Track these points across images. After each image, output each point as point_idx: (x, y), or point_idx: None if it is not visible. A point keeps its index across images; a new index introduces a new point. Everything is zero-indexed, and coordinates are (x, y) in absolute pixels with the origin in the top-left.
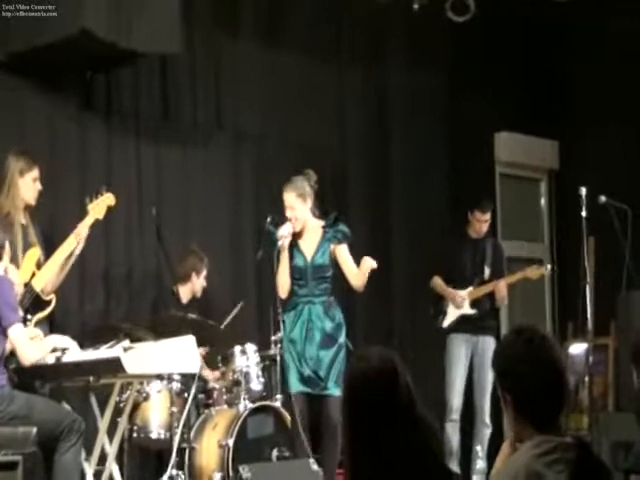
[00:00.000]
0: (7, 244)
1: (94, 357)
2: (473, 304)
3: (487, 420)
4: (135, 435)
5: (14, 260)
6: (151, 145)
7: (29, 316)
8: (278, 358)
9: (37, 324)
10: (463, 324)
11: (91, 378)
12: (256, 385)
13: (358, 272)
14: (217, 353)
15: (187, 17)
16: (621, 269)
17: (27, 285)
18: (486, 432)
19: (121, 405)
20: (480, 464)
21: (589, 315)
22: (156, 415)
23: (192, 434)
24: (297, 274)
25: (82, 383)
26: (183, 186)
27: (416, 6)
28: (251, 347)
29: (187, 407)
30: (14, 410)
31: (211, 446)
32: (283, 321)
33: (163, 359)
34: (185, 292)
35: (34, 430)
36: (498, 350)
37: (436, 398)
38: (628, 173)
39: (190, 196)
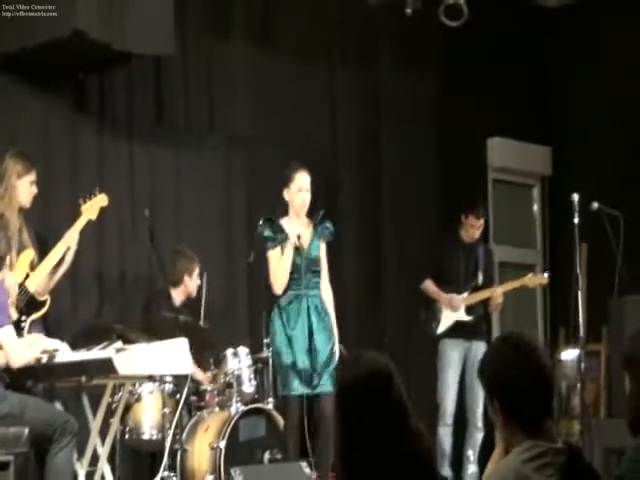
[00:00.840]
0: (8, 256)
1: (86, 357)
2: (468, 310)
3: (480, 424)
4: (127, 436)
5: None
6: (144, 147)
7: (23, 317)
8: (270, 361)
9: (31, 325)
10: (456, 329)
11: (83, 378)
12: (248, 388)
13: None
14: (209, 355)
15: (180, 20)
16: (613, 275)
17: (21, 286)
18: (479, 436)
19: (113, 406)
20: (472, 469)
21: (581, 321)
22: (148, 416)
23: (184, 436)
24: (291, 268)
25: (74, 383)
26: (176, 188)
27: (409, 10)
28: (243, 350)
29: (179, 409)
30: (6, 409)
31: (203, 448)
32: (281, 314)
33: (155, 360)
34: (178, 294)
35: (26, 430)
36: (485, 357)
37: (429, 401)
38: (620, 179)
39: (182, 199)
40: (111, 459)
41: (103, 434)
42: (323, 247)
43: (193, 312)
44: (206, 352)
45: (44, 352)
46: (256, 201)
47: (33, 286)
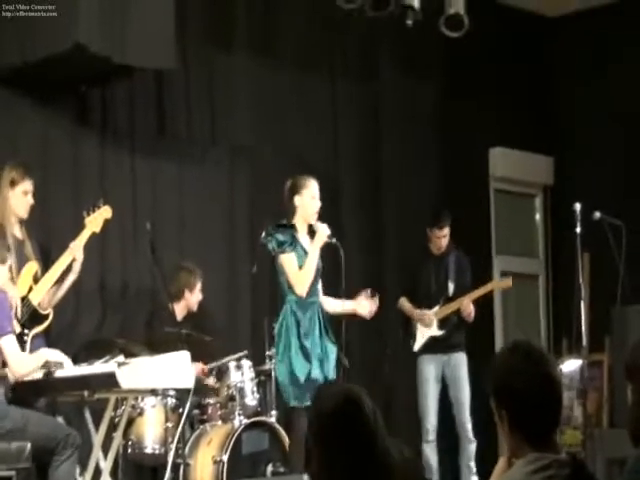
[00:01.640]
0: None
1: (89, 372)
2: (441, 323)
3: (470, 435)
4: (130, 450)
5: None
6: (146, 160)
7: (26, 330)
8: (273, 373)
9: (33, 339)
10: (432, 345)
11: (86, 393)
12: (251, 400)
13: (338, 304)
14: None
15: (181, 32)
16: (616, 285)
17: (24, 299)
18: (472, 447)
19: (116, 420)
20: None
21: (584, 331)
22: (151, 430)
23: (187, 450)
24: None
25: (77, 398)
26: (178, 201)
27: (410, 22)
28: (246, 362)
29: (182, 422)
30: (9, 425)
31: (206, 462)
32: (298, 324)
33: (158, 374)
34: (180, 309)
35: (28, 445)
36: (494, 365)
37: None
38: (622, 189)
39: (185, 211)
40: (114, 473)
41: (105, 448)
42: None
43: (196, 326)
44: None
45: (46, 364)
46: (259, 213)
47: (37, 299)
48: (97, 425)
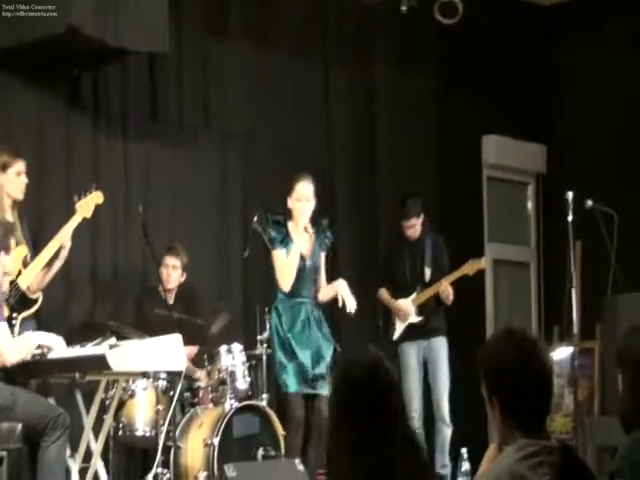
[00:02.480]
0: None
1: (80, 354)
2: (419, 309)
3: (447, 419)
4: (120, 433)
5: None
6: (138, 144)
7: (15, 314)
8: (264, 357)
9: (23, 322)
10: (412, 332)
11: (77, 375)
12: (242, 384)
13: (328, 287)
14: (203, 352)
15: (175, 17)
16: (607, 273)
17: (13, 283)
18: (447, 431)
19: (107, 402)
20: (465, 466)
21: (575, 319)
22: (142, 413)
23: (177, 433)
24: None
25: (68, 380)
26: (170, 185)
27: (404, 8)
28: (237, 346)
29: (172, 405)
30: None
31: (196, 445)
32: (279, 316)
33: (149, 357)
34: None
35: (19, 426)
36: (485, 351)
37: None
38: (615, 177)
39: (177, 195)
40: (104, 455)
41: (96, 430)
42: (322, 257)
43: (187, 309)
44: (200, 349)
45: (39, 347)
46: (251, 197)
47: (25, 283)
48: (88, 407)
